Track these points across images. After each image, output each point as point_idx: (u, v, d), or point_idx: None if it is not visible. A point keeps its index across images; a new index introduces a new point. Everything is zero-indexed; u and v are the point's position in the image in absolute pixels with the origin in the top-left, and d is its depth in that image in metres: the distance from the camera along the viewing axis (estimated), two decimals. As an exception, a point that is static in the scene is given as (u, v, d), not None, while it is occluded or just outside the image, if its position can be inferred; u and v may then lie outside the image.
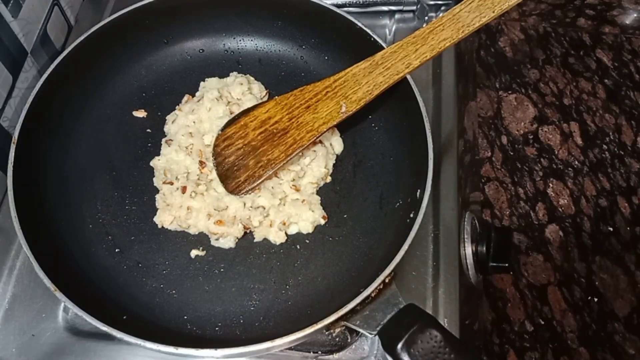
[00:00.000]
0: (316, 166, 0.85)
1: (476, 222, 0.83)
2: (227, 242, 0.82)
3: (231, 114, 0.88)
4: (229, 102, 0.89)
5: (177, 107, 0.91)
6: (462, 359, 0.63)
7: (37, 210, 0.79)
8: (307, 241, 0.83)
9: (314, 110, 0.81)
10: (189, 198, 0.82)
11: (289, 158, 0.81)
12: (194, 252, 0.82)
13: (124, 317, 0.75)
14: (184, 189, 0.82)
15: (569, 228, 0.95)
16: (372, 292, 0.69)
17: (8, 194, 0.75)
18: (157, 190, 0.85)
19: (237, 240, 0.82)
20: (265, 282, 0.80)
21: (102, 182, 0.86)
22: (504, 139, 1.03)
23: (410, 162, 0.84)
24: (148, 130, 0.91)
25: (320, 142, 0.87)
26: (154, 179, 0.86)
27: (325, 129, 0.80)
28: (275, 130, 0.82)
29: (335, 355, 0.80)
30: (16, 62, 0.86)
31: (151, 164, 0.86)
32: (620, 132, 1.03)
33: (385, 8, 1.10)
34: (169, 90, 0.94)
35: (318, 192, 0.85)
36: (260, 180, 0.82)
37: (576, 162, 1.00)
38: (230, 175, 0.83)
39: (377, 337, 0.68)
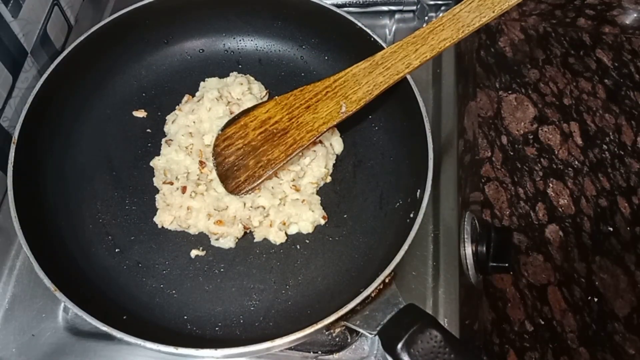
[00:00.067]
0: (316, 166, 0.85)
1: (476, 222, 0.83)
2: (227, 242, 0.82)
3: (231, 114, 0.88)
4: (229, 102, 0.89)
5: (177, 107, 0.91)
6: (462, 359, 0.64)
7: (37, 210, 0.79)
8: (307, 241, 0.83)
9: (314, 110, 0.81)
10: (189, 198, 0.82)
11: (289, 158, 0.81)
12: (194, 252, 0.82)
13: (124, 317, 0.75)
14: (184, 189, 0.82)
15: (569, 228, 0.95)
16: (372, 292, 0.69)
17: (8, 194, 0.75)
18: (157, 190, 0.85)
19: (237, 240, 0.82)
20: (265, 282, 0.80)
21: (102, 182, 0.86)
22: (504, 139, 1.03)
23: (410, 162, 0.84)
24: (148, 130, 0.91)
25: (320, 142, 0.87)
26: (154, 179, 0.86)
27: (325, 129, 0.80)
28: (275, 130, 0.82)
29: (335, 355, 0.80)
30: (16, 62, 0.86)
31: (151, 164, 0.86)
32: (620, 132, 1.03)
33: (385, 8, 1.10)
34: (169, 90, 0.94)
35: (318, 192, 0.85)
36: (260, 180, 0.82)
37: (576, 162, 1.00)
38: (230, 175, 0.83)
39: (377, 337, 0.68)
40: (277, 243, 0.82)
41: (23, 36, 0.86)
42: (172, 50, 0.96)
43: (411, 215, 0.76)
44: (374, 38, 0.85)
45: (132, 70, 0.94)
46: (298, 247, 0.82)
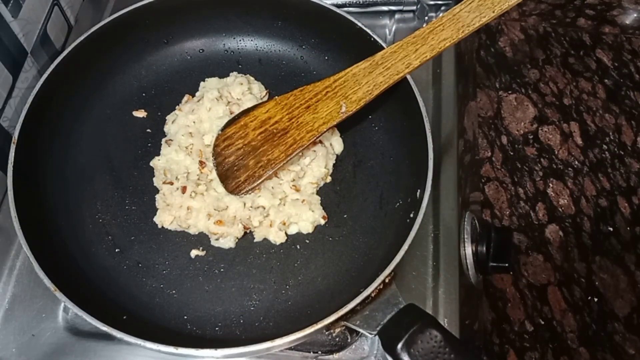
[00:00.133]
0: (316, 166, 0.85)
1: (476, 222, 0.83)
2: (227, 242, 0.82)
3: (231, 114, 0.88)
4: (229, 102, 0.89)
5: (177, 107, 0.91)
6: (462, 359, 0.64)
7: (37, 210, 0.79)
8: (307, 241, 0.83)
9: (314, 110, 0.81)
10: (189, 198, 0.82)
11: (289, 158, 0.81)
12: (194, 252, 0.82)
13: (124, 317, 0.75)
14: (184, 189, 0.82)
15: (569, 228, 0.95)
16: (372, 292, 0.69)
17: (8, 194, 0.75)
18: (157, 190, 0.85)
19: (237, 240, 0.82)
20: (265, 282, 0.80)
21: (102, 182, 0.86)
22: (504, 139, 1.03)
23: (410, 162, 0.84)
24: (148, 130, 0.91)
25: (320, 142, 0.87)
26: (154, 179, 0.86)
27: (325, 129, 0.80)
28: (275, 130, 0.82)
29: (335, 355, 0.80)
30: (16, 62, 0.86)
31: (151, 164, 0.86)
32: (620, 132, 1.03)
33: (385, 8, 1.10)
34: (169, 90, 0.94)
35: (318, 192, 0.85)
36: (260, 180, 0.82)
37: (576, 162, 1.00)
38: (230, 175, 0.83)
39: (377, 337, 0.68)
40: (277, 243, 0.82)
41: (23, 36, 0.86)
42: (172, 50, 0.96)
43: (411, 215, 0.76)
44: (374, 38, 0.85)
45: (132, 70, 0.94)
46: (298, 247, 0.82)
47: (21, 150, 0.78)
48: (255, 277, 0.80)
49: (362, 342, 0.81)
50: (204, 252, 0.82)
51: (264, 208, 0.82)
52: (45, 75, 0.83)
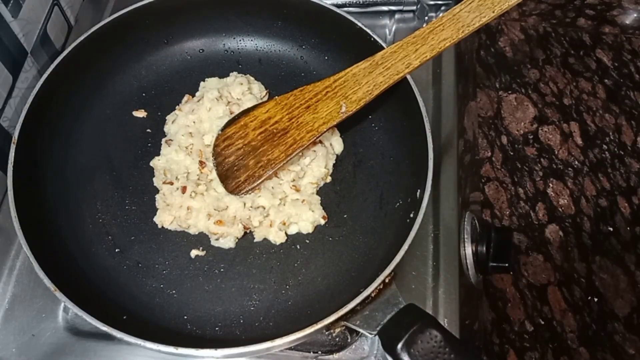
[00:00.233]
0: (316, 166, 0.85)
1: (476, 222, 0.83)
2: (227, 242, 0.82)
3: (231, 114, 0.88)
4: (229, 102, 0.89)
5: (177, 107, 0.91)
6: (462, 359, 0.64)
7: (37, 210, 0.79)
8: (307, 241, 0.83)
9: (314, 110, 0.81)
10: (189, 198, 0.82)
11: (289, 158, 0.81)
12: (194, 252, 0.82)
13: (124, 317, 0.75)
14: (184, 189, 0.82)
15: (569, 228, 0.95)
16: (372, 292, 0.69)
17: (8, 194, 0.75)
18: (157, 190, 0.85)
19: (237, 240, 0.82)
20: (265, 282, 0.79)
21: (102, 182, 0.86)
22: (504, 139, 1.03)
23: (410, 162, 0.84)
24: (148, 130, 0.91)
25: (320, 142, 0.87)
26: (154, 179, 0.86)
27: (325, 129, 0.80)
28: (275, 130, 0.82)
29: (335, 355, 0.80)
30: (16, 62, 0.86)
31: (151, 164, 0.86)
32: (620, 132, 1.03)
33: (385, 8, 1.10)
34: (169, 90, 0.94)
35: (318, 192, 0.85)
36: (260, 180, 0.82)
37: (576, 162, 1.00)
38: (230, 175, 0.83)
39: (377, 337, 0.68)
40: (277, 243, 0.82)
41: (23, 36, 0.86)
42: (172, 50, 0.96)
43: (411, 215, 0.75)
44: (374, 38, 0.85)
45: (132, 70, 0.94)
46: (298, 247, 0.82)
47: (21, 150, 0.78)
48: (255, 277, 0.80)
49: (362, 342, 0.81)
50: (204, 252, 0.82)
51: (264, 208, 0.82)
52: (45, 75, 0.83)
